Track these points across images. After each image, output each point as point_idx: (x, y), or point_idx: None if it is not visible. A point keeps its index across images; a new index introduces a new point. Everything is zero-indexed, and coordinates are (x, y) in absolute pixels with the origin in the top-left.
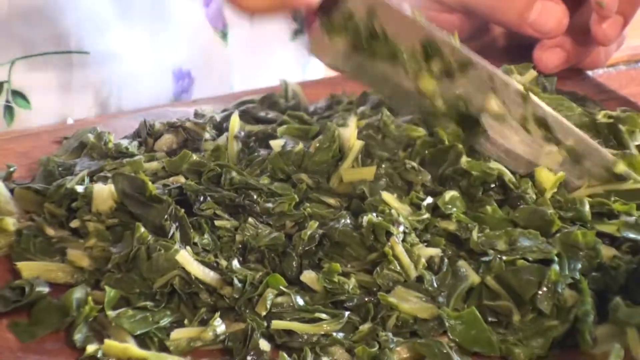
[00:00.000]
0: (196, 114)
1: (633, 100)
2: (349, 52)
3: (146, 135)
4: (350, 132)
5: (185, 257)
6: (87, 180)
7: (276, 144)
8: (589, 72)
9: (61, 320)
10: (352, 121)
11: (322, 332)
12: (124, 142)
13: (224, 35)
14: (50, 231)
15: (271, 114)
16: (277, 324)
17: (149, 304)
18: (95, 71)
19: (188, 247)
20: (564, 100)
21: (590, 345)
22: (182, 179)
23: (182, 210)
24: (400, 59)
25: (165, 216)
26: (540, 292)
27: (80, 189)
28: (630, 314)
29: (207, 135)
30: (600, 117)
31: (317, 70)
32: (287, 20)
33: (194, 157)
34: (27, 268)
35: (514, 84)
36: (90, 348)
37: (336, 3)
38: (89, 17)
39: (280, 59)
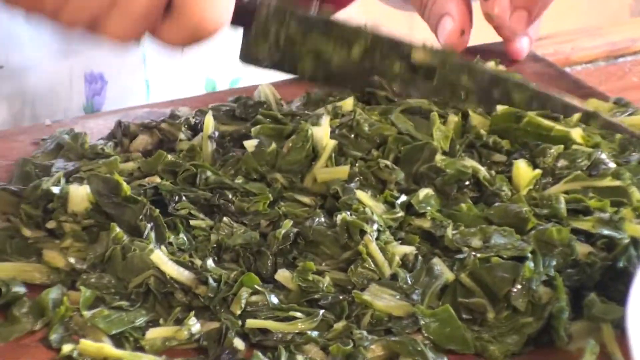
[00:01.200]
0: (172, 115)
1: (611, 96)
2: (278, 50)
3: (121, 136)
4: (323, 132)
5: (160, 257)
6: (63, 181)
7: (249, 144)
8: (567, 68)
9: (37, 321)
10: (325, 120)
11: (297, 331)
12: (100, 143)
13: None
14: (26, 232)
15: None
16: (251, 322)
17: (124, 303)
18: (8, 84)
19: (163, 247)
20: None
21: (566, 342)
22: (157, 179)
23: (157, 210)
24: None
25: (140, 216)
26: (514, 289)
27: (56, 190)
28: (605, 310)
29: (181, 136)
30: None
31: None
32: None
33: (169, 157)
34: (3, 269)
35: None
36: (66, 348)
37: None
38: (4, 33)
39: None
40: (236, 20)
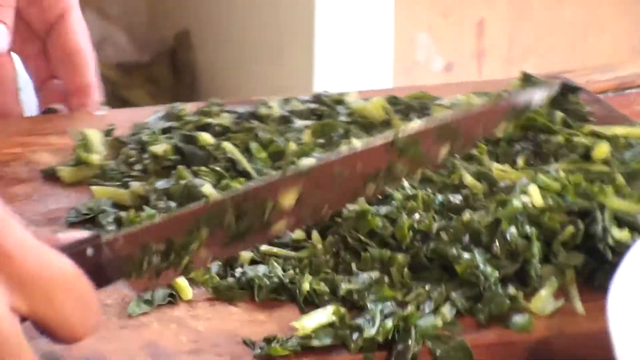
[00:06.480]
0: (263, 103)
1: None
2: None
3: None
4: None
5: None
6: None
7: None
8: (600, 95)
9: None
10: None
11: None
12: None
13: None
14: (123, 168)
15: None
16: None
17: None
18: None
19: None
20: None
21: (537, 281)
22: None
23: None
24: None
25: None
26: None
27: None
28: (569, 257)
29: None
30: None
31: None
32: None
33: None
34: (100, 191)
35: None
36: None
37: None
38: None
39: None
40: None
